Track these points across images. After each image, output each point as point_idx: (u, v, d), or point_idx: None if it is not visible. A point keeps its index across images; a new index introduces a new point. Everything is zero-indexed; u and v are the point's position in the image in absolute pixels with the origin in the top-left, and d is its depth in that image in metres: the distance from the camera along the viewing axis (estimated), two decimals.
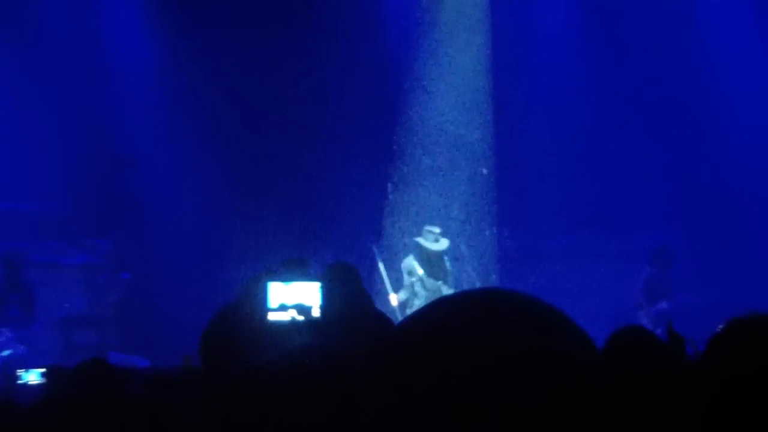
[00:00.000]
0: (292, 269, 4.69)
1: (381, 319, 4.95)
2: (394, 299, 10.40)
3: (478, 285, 11.30)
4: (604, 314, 11.44)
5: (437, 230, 10.65)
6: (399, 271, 10.80)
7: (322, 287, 4.42)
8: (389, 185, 12.38)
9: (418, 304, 9.95)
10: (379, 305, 6.13)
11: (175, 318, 11.00)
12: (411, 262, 10.61)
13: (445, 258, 10.61)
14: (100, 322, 12.61)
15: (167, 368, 5.65)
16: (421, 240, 10.57)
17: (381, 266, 10.75)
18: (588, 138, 13.20)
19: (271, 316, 4.02)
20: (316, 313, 4.21)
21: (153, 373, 5.02)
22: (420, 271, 10.44)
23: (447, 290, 10.25)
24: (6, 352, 11.00)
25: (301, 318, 4.11)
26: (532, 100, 13.12)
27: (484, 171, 12.53)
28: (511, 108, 12.84)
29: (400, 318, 9.35)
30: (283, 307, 4.12)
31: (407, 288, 10.56)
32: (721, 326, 1.73)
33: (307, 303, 4.22)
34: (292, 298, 4.25)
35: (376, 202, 12.49)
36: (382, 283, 10.64)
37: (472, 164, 12.49)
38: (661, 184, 13.07)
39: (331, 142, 12.79)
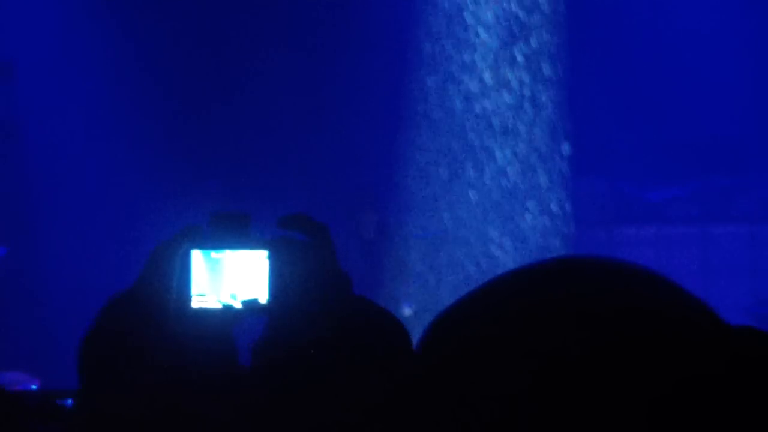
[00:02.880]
0: (225, 230, 2.90)
1: (367, 309, 3.01)
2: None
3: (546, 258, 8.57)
4: (738, 304, 9.62)
5: None
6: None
7: (273, 258, 2.77)
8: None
9: None
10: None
11: (76, 313, 8.31)
12: None
13: None
14: None
15: (68, 391, 3.96)
16: None
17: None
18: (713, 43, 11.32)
19: (196, 303, 2.71)
20: (263, 298, 2.76)
21: (48, 401, 3.44)
22: None
23: None
24: None
25: (239, 306, 2.78)
26: None
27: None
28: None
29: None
30: (211, 292, 2.79)
31: None
32: None
33: (249, 284, 2.80)
34: (227, 275, 2.81)
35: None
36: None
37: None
38: None
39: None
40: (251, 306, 2.82)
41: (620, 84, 11.26)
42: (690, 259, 10.70)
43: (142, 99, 10.30)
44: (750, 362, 1.18)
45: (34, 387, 8.21)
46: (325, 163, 10.29)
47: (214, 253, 2.82)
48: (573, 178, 9.59)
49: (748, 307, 9.76)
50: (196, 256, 2.80)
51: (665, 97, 11.30)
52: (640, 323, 1.15)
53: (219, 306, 2.80)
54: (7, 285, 10.07)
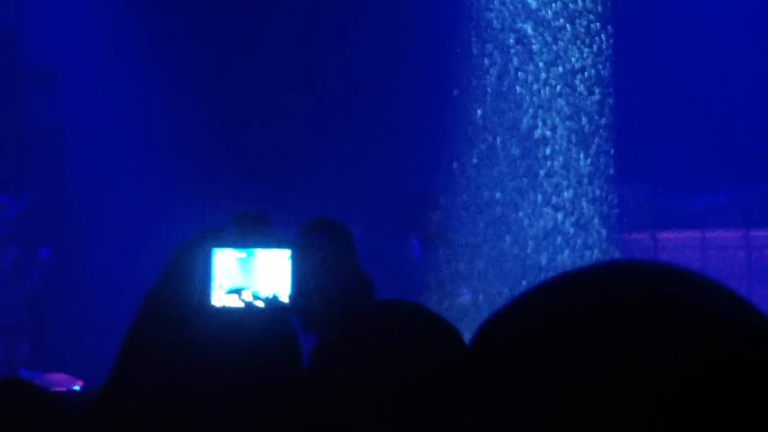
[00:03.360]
0: (247, 229, 3.06)
1: (397, 311, 3.06)
2: None
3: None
4: None
5: None
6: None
7: (294, 257, 2.95)
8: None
9: None
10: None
11: (118, 315, 8.22)
12: None
13: None
14: (6, 325, 9.81)
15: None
16: None
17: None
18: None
19: (217, 300, 2.87)
20: (285, 297, 2.93)
21: (91, 402, 3.47)
22: None
23: None
24: None
25: (261, 305, 2.94)
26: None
27: None
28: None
29: None
30: (235, 291, 2.92)
31: None
32: None
33: (270, 283, 2.95)
34: (249, 274, 2.97)
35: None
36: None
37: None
38: None
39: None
40: (273, 304, 2.92)
41: (663, 91, 11.05)
42: (732, 264, 10.53)
43: (184, 105, 10.22)
44: None
45: (77, 388, 8.36)
46: (375, 166, 10.20)
47: (236, 253, 2.92)
48: (616, 183, 9.53)
49: None
50: (219, 255, 2.90)
51: (708, 105, 11.15)
52: (696, 327, 1.12)
53: (241, 304, 2.91)
54: (50, 287, 9.91)
